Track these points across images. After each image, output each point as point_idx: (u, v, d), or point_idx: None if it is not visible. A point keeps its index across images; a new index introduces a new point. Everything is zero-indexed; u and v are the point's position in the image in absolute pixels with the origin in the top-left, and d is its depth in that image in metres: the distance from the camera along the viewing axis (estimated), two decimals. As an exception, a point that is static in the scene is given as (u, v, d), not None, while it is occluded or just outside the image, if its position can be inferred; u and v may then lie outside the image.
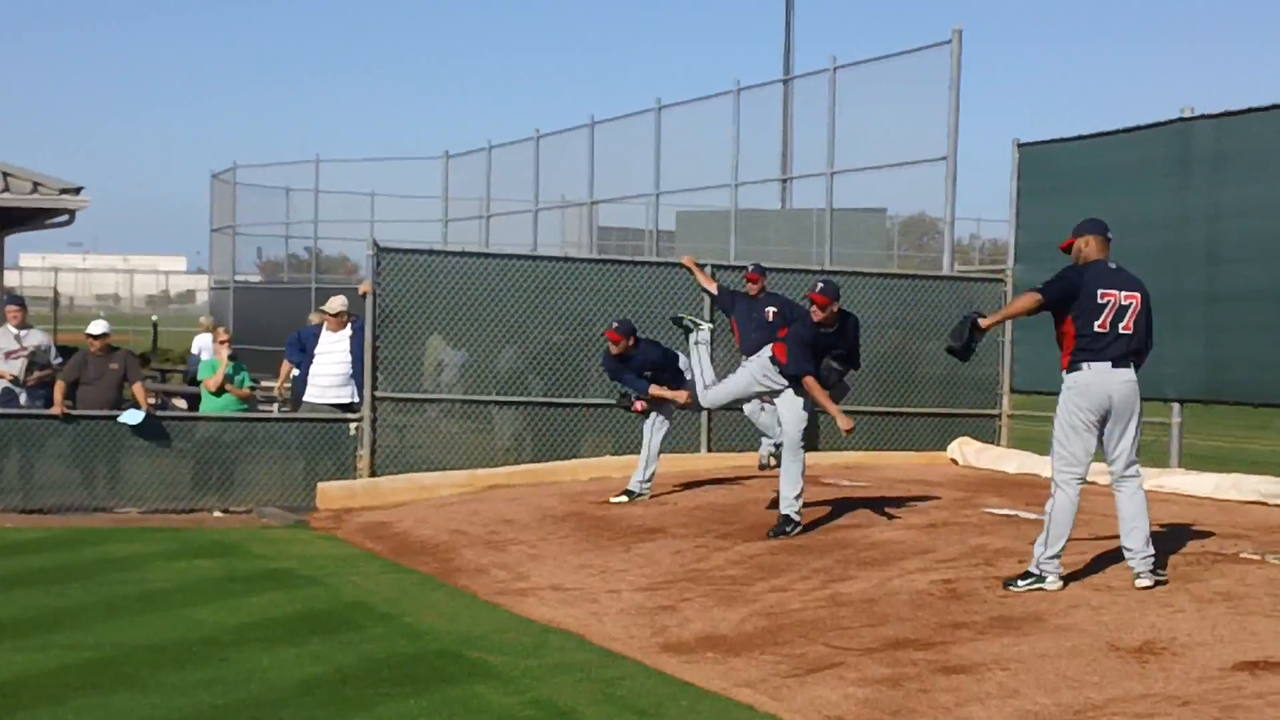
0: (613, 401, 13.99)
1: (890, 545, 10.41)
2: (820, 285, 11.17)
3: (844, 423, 10.81)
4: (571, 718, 6.71)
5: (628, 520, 12.12)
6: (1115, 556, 9.61)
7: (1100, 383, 8.77)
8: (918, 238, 42.26)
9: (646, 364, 13.25)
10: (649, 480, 13.28)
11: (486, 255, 18.18)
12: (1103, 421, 8.84)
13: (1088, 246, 9.09)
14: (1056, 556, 8.79)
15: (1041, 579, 8.75)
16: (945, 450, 16.66)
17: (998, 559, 9.68)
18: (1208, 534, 10.53)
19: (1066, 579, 8.77)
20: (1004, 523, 11.37)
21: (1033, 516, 11.59)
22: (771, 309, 15.18)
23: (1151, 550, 8.84)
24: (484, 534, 11.86)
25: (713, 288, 15.22)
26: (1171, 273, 14.39)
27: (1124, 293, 8.90)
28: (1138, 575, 8.77)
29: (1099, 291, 8.84)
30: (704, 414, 15.84)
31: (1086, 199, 15.62)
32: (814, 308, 11.11)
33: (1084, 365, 8.82)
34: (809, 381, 11.03)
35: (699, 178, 23.81)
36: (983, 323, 9.14)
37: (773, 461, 15.22)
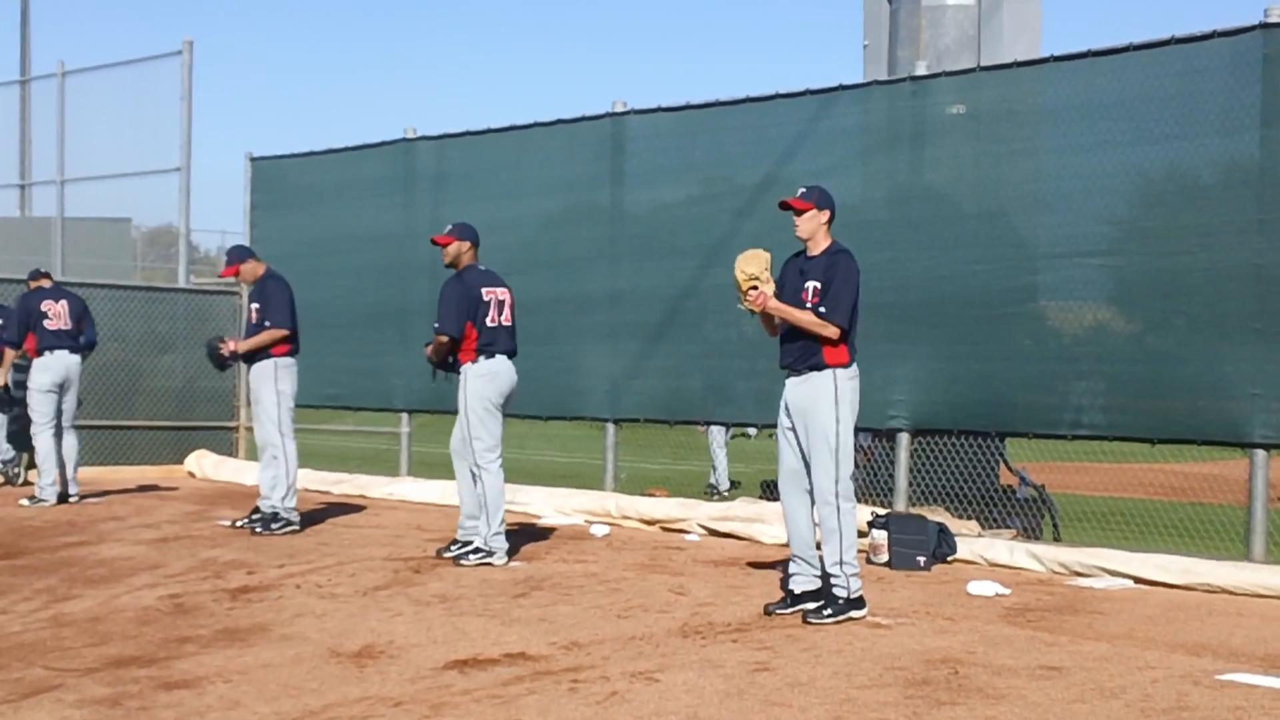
0: None
1: (119, 562, 10.21)
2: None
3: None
4: None
5: None
6: (347, 566, 9.95)
7: (504, 371, 10.21)
8: (165, 249, 41.44)
9: None
10: None
11: None
12: (503, 406, 10.25)
13: (466, 253, 10.34)
14: (500, 533, 10.12)
15: (490, 553, 10.06)
16: (183, 463, 16.49)
17: (227, 571, 9.73)
18: (431, 538, 11.09)
19: (302, 588, 9.02)
20: (235, 535, 11.46)
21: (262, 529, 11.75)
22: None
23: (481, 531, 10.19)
24: None
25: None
26: (398, 285, 15.04)
27: (499, 289, 10.27)
28: (462, 551, 10.18)
29: (484, 290, 10.15)
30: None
31: (320, 213, 16.03)
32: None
33: (491, 355, 10.16)
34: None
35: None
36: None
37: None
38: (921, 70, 11.70)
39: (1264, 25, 9.79)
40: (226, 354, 11.78)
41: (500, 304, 10.23)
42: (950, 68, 11.92)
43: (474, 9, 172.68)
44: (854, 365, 8.23)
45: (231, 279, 12.50)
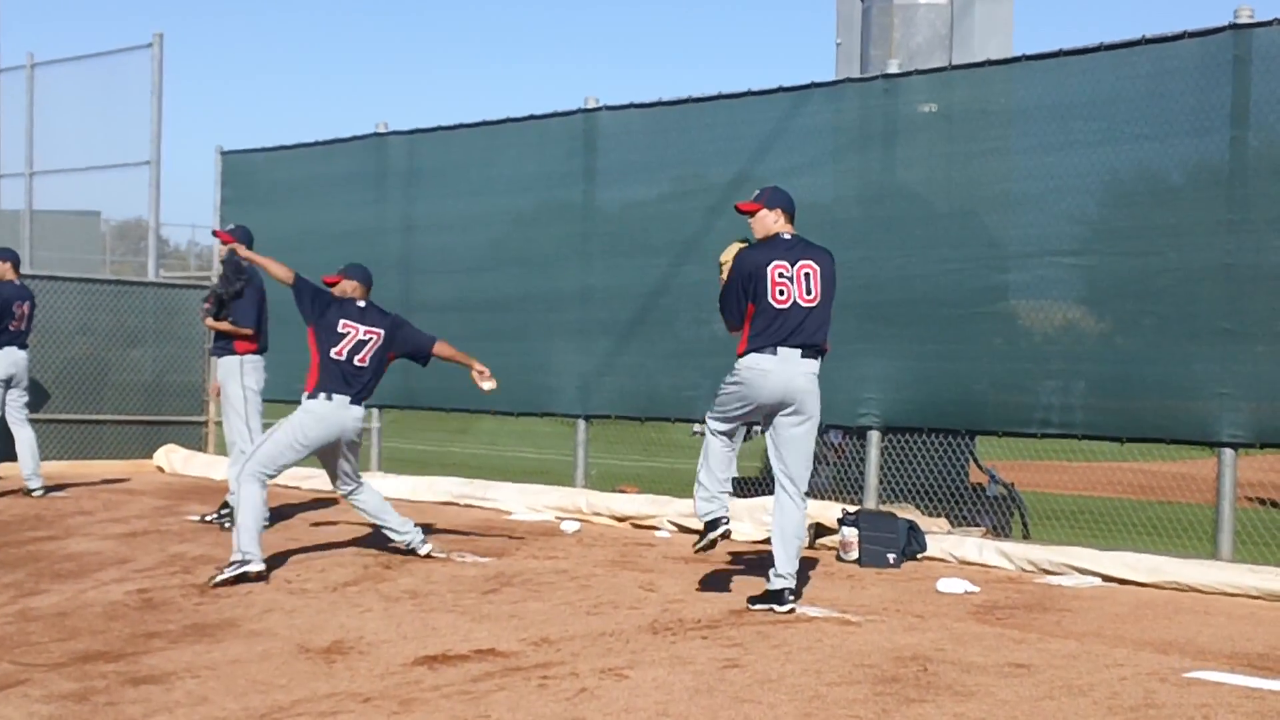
0: None
1: (87, 557, 10.16)
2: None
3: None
4: None
5: None
6: (316, 562, 9.92)
7: (328, 415, 9.63)
8: (134, 242, 41.31)
9: None
10: None
11: None
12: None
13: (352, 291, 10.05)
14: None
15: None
16: (152, 458, 16.41)
17: (196, 566, 9.70)
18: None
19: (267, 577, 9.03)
20: (205, 530, 11.41)
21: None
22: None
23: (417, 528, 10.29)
24: None
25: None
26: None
27: (364, 328, 9.84)
28: (415, 545, 10.16)
29: (342, 323, 9.77)
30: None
31: (290, 208, 15.96)
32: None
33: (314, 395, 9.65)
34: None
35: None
36: None
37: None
38: (894, 69, 11.72)
39: (1234, 26, 9.83)
40: (203, 308, 12.02)
41: (360, 343, 9.74)
42: (922, 66, 11.95)
43: (446, 4, 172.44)
44: (752, 355, 8.23)
45: (208, 270, 12.46)
